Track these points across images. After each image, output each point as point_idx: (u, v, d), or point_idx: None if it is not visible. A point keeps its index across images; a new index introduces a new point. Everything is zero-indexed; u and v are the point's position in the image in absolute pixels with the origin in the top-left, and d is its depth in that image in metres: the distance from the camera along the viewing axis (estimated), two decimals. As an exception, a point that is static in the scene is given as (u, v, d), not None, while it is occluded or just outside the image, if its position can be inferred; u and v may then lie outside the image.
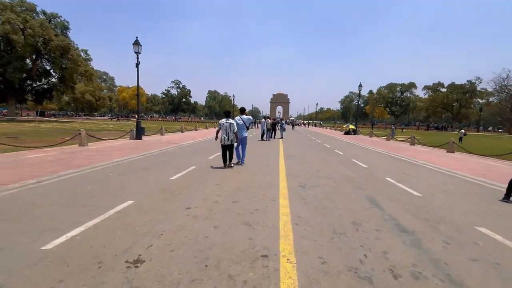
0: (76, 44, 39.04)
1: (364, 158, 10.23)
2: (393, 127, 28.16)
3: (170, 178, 5.82)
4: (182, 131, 24.16)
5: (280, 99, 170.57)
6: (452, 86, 54.76)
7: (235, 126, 7.11)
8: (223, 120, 7.08)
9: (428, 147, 16.57)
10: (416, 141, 18.28)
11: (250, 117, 8.63)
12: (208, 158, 8.94)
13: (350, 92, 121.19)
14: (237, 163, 7.82)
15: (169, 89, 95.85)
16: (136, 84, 16.60)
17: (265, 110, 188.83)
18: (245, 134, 7.92)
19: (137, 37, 15.67)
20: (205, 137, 18.94)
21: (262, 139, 17.48)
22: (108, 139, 14.81)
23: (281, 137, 19.11)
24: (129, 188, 4.91)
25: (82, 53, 39.76)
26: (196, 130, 27.95)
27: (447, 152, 14.01)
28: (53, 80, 41.38)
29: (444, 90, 57.13)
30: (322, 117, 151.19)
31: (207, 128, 32.65)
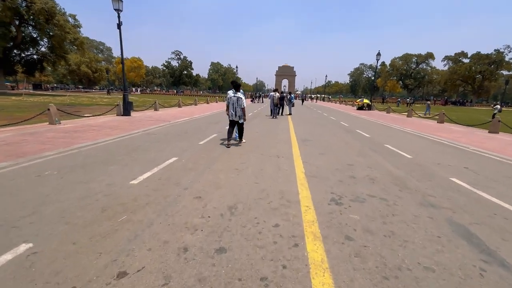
0: (63, 9, 35.35)
1: (398, 142, 8.06)
2: (428, 102, 25.28)
3: (130, 183, 3.82)
4: (179, 106, 21.90)
5: (286, 72, 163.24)
6: (477, 56, 49.58)
7: (244, 101, 6.34)
8: (231, 93, 6.32)
9: (461, 126, 14.15)
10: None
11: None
12: (199, 143, 6.87)
13: (360, 64, 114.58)
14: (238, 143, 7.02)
15: (169, 60, 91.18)
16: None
17: (270, 83, 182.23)
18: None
19: (116, -10, 12.79)
20: (203, 113, 16.74)
21: (271, 115, 15.24)
22: (91, 116, 12.78)
23: (290, 113, 16.80)
24: (42, 208, 2.93)
25: (70, 19, 36.19)
26: (195, 104, 25.62)
27: (489, 132, 11.68)
28: (43, 49, 38.42)
29: (466, 61, 52.13)
30: (329, 91, 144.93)
31: (208, 103, 30.21)
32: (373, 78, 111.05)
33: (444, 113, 15.94)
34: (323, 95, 75.63)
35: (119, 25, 13.27)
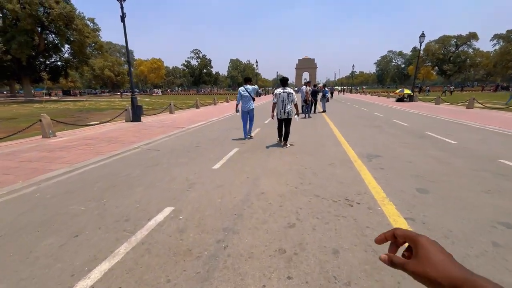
0: (82, 13, 35.23)
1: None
2: None
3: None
4: (197, 107, 20.07)
5: (306, 64, 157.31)
6: (536, 31, 41.99)
7: (294, 96, 5.96)
8: (280, 90, 6.02)
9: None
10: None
11: (256, 86, 7.34)
12: (212, 167, 4.63)
13: (389, 52, 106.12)
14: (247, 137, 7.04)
15: (189, 59, 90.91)
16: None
17: (290, 77, 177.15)
18: (252, 106, 7.01)
19: (117, -24, 10.96)
20: (222, 114, 14.62)
21: (302, 113, 12.76)
22: (97, 124, 11.22)
23: (324, 110, 14.08)
24: None
25: (89, 23, 36.07)
26: (214, 104, 23.71)
27: None
28: (66, 55, 38.92)
29: (521, 38, 44.54)
30: (354, 82, 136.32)
31: (227, 101, 28.20)
32: (403, 65, 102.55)
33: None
34: (350, 87, 70.52)
35: (122, 17, 11.46)
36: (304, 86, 12.27)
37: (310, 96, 11.56)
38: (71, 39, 33.08)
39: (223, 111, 17.05)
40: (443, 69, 69.97)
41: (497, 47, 50.27)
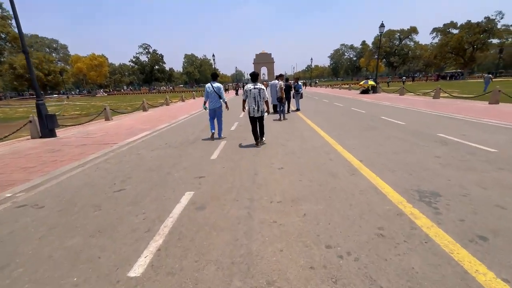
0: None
1: None
2: (488, 75, 20.97)
3: None
4: (144, 109, 16.46)
5: (264, 59, 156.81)
6: (467, 25, 46.53)
7: (266, 93, 5.54)
8: (250, 86, 5.51)
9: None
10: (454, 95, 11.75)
11: (220, 85, 6.60)
12: (127, 274, 2.02)
13: (341, 45, 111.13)
14: (212, 137, 6.69)
15: (137, 55, 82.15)
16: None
17: (248, 71, 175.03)
18: (219, 104, 6.60)
19: None
20: (175, 118, 11.58)
21: (276, 112, 10.57)
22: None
23: (298, 109, 12.05)
24: None
25: (-5, 8, 28.52)
26: (167, 104, 20.15)
27: None
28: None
29: (456, 32, 49.28)
30: (309, 76, 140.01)
31: (183, 100, 24.71)
32: (354, 58, 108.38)
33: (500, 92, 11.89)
34: (309, 80, 71.52)
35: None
36: (276, 81, 9.99)
37: (282, 93, 9.30)
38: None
39: (176, 113, 13.94)
40: (390, 61, 75.18)
41: (436, 39, 55.11)
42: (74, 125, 10.96)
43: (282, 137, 6.60)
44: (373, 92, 24.15)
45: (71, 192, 3.66)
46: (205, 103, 6.65)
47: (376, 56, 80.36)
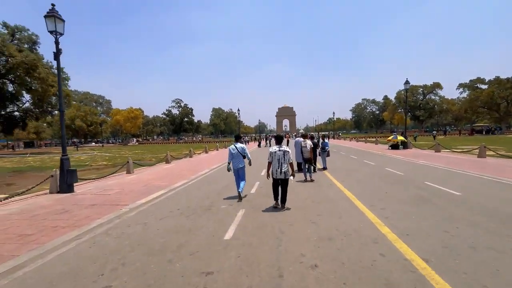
0: (50, 62, 32.99)
1: None
2: None
3: None
4: (167, 161, 16.52)
5: (286, 112, 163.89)
6: (496, 81, 45.66)
7: (290, 155, 5.57)
8: (275, 148, 5.64)
9: None
10: None
11: (244, 145, 6.77)
12: None
13: (363, 99, 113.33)
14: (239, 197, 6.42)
15: (170, 109, 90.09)
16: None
17: (271, 124, 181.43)
18: (242, 165, 6.58)
19: (53, 5, 8.43)
20: (196, 172, 11.14)
21: (300, 170, 9.78)
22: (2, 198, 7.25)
23: (325, 167, 11.11)
24: None
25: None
26: (190, 156, 20.30)
27: None
28: (27, 105, 35.23)
29: (484, 87, 48.23)
30: (331, 128, 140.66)
31: (206, 152, 24.99)
32: (377, 112, 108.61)
33: None
34: (332, 133, 71.41)
35: (56, 54, 8.58)
36: (301, 139, 9.42)
37: (311, 153, 8.59)
38: (32, 88, 29.94)
39: (197, 167, 13.62)
40: (416, 115, 73.84)
41: (464, 94, 54.02)
42: (95, 179, 10.86)
43: (311, 208, 5.60)
44: (404, 148, 22.66)
45: (45, 286, 2.88)
46: (229, 163, 6.68)
47: (400, 110, 79.96)
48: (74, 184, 8.88)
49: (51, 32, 8.38)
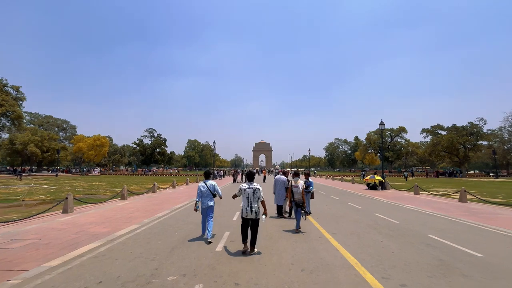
0: (5, 80, 29.74)
1: None
2: None
3: None
4: (122, 197, 13.82)
5: (262, 147, 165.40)
6: (453, 128, 50.42)
7: (261, 193, 5.27)
8: (245, 185, 5.30)
9: None
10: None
11: (214, 183, 6.42)
12: None
13: (336, 139, 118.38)
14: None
15: (142, 138, 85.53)
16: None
17: (248, 158, 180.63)
18: (211, 203, 6.25)
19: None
20: (153, 214, 8.84)
21: (280, 215, 8.12)
22: None
23: (308, 212, 9.42)
24: None
25: (12, 90, 30.17)
26: (153, 191, 17.64)
27: None
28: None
29: (443, 133, 52.82)
30: (306, 165, 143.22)
31: (173, 187, 22.30)
32: (349, 151, 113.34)
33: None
34: (307, 170, 71.64)
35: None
36: (284, 177, 7.94)
37: (303, 194, 7.01)
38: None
39: (157, 206, 11.26)
40: (385, 156, 77.63)
41: (427, 139, 58.35)
42: (8, 223, 8.11)
43: (302, 282, 3.85)
44: (382, 188, 22.18)
45: None
46: (196, 203, 6.22)
47: (370, 150, 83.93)
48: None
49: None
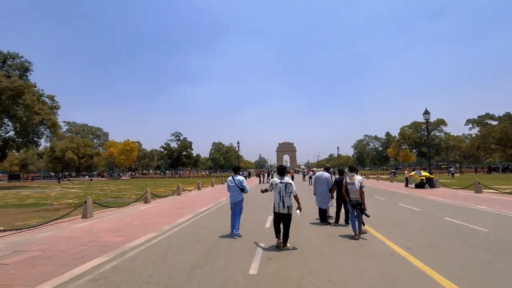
0: (42, 90, 31.44)
1: None
2: None
3: None
4: (146, 201, 13.09)
5: (286, 148, 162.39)
6: (508, 117, 43.58)
7: (293, 187, 5.11)
8: (276, 180, 5.21)
9: None
10: None
11: (242, 178, 6.39)
12: None
13: (365, 136, 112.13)
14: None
15: (168, 142, 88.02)
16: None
17: (272, 159, 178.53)
18: (239, 198, 6.23)
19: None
20: (175, 220, 7.72)
21: (323, 221, 6.94)
22: None
23: (367, 215, 7.60)
24: None
25: (47, 99, 31.82)
26: (178, 194, 16.87)
27: None
28: (11, 133, 32.69)
29: (494, 123, 46.42)
30: (334, 164, 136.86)
31: (199, 189, 21.49)
32: (380, 148, 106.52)
33: None
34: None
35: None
36: (326, 173, 6.46)
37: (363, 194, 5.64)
38: (16, 115, 27.72)
39: (180, 210, 10.19)
40: (422, 151, 71.27)
41: (475, 130, 51.99)
42: (36, 226, 7.47)
43: None
44: (430, 187, 19.30)
45: None
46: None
47: (405, 146, 77.70)
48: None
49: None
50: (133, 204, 12.61)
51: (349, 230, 6.27)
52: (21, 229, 7.45)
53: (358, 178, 5.73)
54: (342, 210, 6.99)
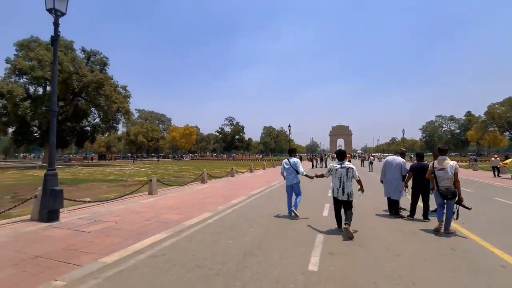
0: (117, 81, 35.93)
1: None
2: None
3: None
4: (203, 181, 13.83)
5: (340, 131, 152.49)
6: None
7: (356, 171, 4.84)
8: (336, 165, 4.93)
9: None
10: None
11: (297, 160, 6.35)
12: None
13: (437, 117, 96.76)
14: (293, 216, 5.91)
15: (223, 126, 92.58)
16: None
17: (325, 143, 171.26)
18: (296, 181, 6.15)
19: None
20: (229, 201, 7.80)
21: (395, 214, 5.92)
22: None
23: (468, 208, 5.77)
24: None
25: (121, 90, 36.35)
26: (232, 176, 17.42)
27: None
28: (97, 120, 38.82)
29: None
30: (395, 149, 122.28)
31: (251, 171, 21.81)
32: (458, 131, 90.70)
33: None
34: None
35: (54, 39, 6.65)
36: (400, 158, 5.40)
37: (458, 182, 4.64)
38: (100, 104, 32.55)
39: (234, 191, 10.35)
40: (518, 135, 57.74)
41: None
42: (113, 200, 8.57)
43: None
44: (535, 178, 15.27)
45: None
46: (282, 175, 6.45)
47: (493, 127, 64.07)
48: (61, 210, 6.52)
49: (49, 10, 6.52)
50: (191, 184, 13.43)
51: (430, 226, 5.16)
52: (102, 201, 8.56)
53: (450, 163, 4.56)
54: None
